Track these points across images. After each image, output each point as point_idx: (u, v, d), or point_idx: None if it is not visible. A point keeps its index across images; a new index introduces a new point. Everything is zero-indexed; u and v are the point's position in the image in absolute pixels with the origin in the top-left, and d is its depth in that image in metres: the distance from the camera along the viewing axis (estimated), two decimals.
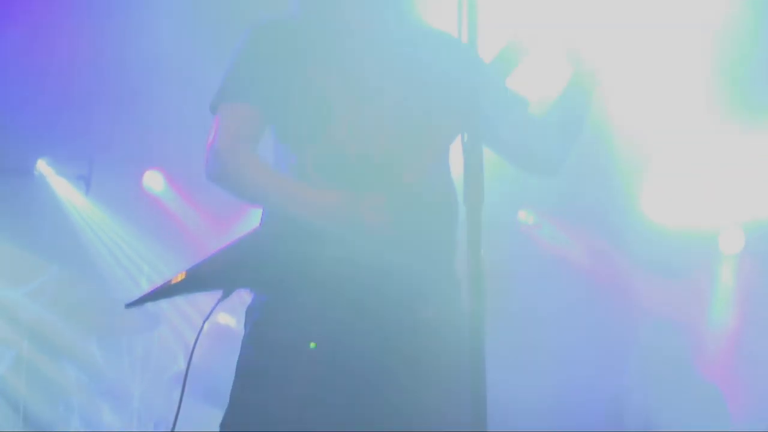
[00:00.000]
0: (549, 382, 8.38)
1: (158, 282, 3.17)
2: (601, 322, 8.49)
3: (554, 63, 3.34)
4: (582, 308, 8.55)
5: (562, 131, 3.33)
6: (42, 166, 8.85)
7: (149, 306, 7.62)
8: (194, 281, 3.11)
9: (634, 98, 7.87)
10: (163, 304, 6.13)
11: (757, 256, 8.69)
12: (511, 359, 8.17)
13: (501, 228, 8.56)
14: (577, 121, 3.34)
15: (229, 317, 7.91)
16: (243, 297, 3.29)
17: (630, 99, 7.80)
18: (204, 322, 3.18)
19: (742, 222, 8.72)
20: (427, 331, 3.13)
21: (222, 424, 3.16)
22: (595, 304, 8.62)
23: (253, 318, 3.20)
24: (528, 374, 8.42)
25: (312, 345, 3.10)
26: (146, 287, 3.26)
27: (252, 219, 3.32)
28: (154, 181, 9.28)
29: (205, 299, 3.18)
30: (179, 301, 8.03)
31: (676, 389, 6.42)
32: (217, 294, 3.13)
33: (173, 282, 3.11)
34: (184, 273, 3.11)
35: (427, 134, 3.12)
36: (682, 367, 6.71)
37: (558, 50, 3.22)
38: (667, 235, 8.70)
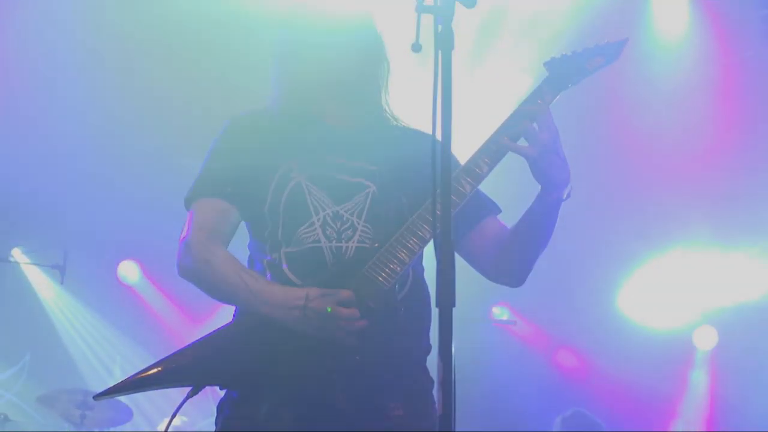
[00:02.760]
0: None
1: (130, 374, 3.15)
2: None
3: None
4: (558, 408, 8.52)
5: (527, 244, 3.28)
6: (17, 254, 8.83)
7: (122, 398, 7.57)
8: (164, 375, 3.09)
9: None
10: (137, 396, 6.09)
11: (730, 353, 8.72)
12: None
13: (474, 324, 8.57)
14: (542, 237, 3.26)
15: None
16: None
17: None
18: (172, 417, 3.18)
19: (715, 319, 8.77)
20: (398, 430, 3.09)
21: None
22: (571, 404, 8.59)
23: (224, 414, 3.17)
24: None
25: None
26: (119, 378, 3.24)
27: (225, 312, 3.31)
28: (129, 271, 9.27)
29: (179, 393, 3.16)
30: (152, 394, 7.98)
31: None
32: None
33: (142, 375, 3.10)
34: (154, 367, 3.11)
35: (399, 232, 3.11)
36: None
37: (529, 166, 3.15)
38: (642, 333, 8.73)
